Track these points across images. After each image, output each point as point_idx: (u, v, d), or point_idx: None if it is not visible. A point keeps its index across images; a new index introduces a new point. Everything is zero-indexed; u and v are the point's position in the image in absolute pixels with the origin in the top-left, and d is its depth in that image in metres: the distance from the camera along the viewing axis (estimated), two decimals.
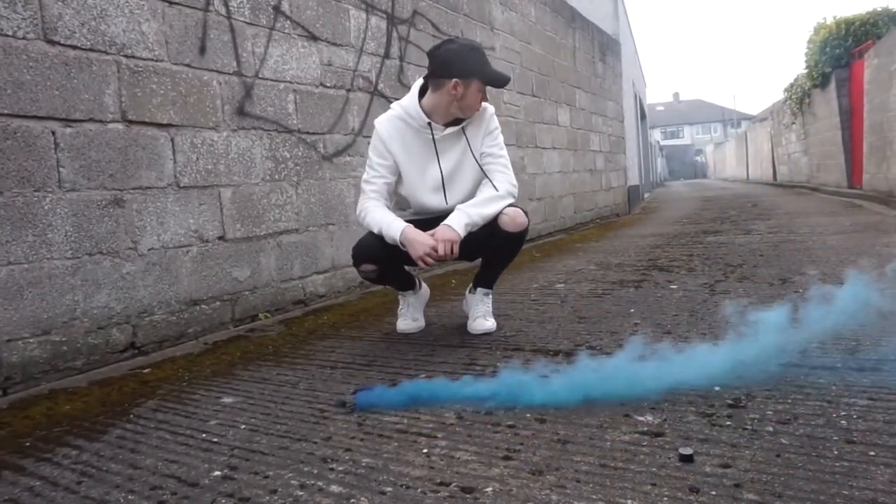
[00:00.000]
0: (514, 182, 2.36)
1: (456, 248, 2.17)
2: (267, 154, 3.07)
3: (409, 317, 2.56)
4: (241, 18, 2.92)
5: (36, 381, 2.11)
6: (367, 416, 1.59)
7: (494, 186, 2.31)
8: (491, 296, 2.51)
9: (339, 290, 3.57)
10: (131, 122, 2.43)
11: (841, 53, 9.90)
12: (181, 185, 2.64)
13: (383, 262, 2.33)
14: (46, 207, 2.16)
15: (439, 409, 1.61)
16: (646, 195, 14.95)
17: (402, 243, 2.19)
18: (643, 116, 17.35)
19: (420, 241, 2.16)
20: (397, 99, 4.12)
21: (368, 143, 3.81)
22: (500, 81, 2.29)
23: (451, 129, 2.32)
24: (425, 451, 1.36)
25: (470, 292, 2.53)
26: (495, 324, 2.45)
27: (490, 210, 2.26)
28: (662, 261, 4.09)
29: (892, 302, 1.88)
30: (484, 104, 2.36)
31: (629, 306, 2.73)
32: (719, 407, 1.49)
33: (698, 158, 50.77)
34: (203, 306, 2.74)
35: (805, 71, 11.45)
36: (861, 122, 9.29)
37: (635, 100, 13.09)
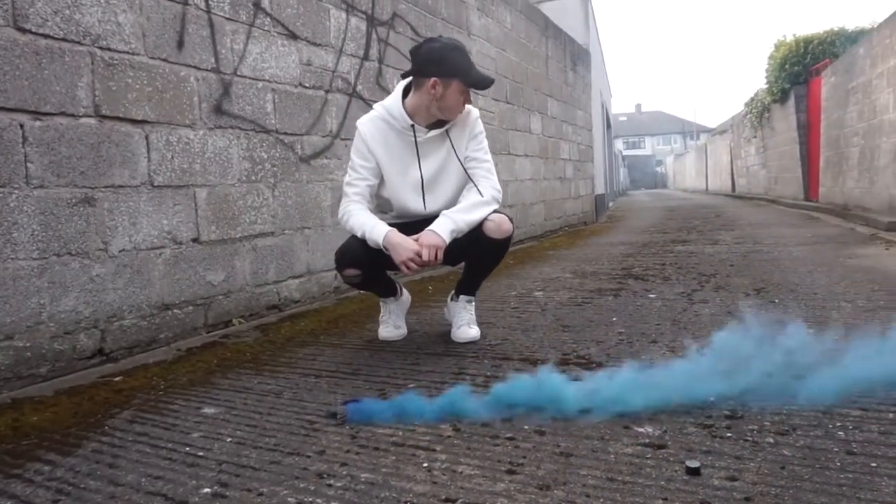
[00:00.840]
0: (499, 188, 2.33)
1: (440, 255, 2.13)
2: (244, 154, 2.98)
3: (391, 324, 2.51)
4: (221, 13, 2.83)
5: None
6: (359, 428, 1.54)
7: (479, 192, 2.27)
8: (474, 303, 2.48)
9: (314, 295, 3.49)
10: (104, 117, 2.32)
11: (800, 70, 10.26)
12: (155, 184, 2.54)
13: (367, 266, 2.27)
14: (12, 205, 2.04)
15: (434, 420, 1.56)
16: (610, 204, 15.18)
17: (385, 247, 2.14)
18: (608, 126, 17.63)
19: (404, 246, 2.11)
20: (375, 101, 4.11)
21: (346, 146, 3.78)
22: (482, 84, 2.24)
23: (434, 132, 2.28)
24: (425, 465, 1.32)
25: (452, 300, 2.49)
26: (479, 332, 2.42)
27: (475, 216, 2.23)
28: (636, 269, 4.14)
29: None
30: (468, 107, 2.33)
31: (611, 315, 2.73)
32: (717, 418, 1.49)
33: (659, 169, 51.91)
34: (175, 311, 2.64)
35: (765, 86, 11.82)
36: (818, 137, 9.62)
37: (602, 109, 13.28)
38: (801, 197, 10.69)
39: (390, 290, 2.50)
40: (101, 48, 2.30)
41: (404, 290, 2.60)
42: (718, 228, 7.18)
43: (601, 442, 1.39)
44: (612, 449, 1.35)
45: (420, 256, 2.09)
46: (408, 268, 2.11)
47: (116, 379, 2.09)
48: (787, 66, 10.46)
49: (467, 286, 2.43)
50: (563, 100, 8.26)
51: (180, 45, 2.63)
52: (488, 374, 1.94)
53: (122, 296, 2.40)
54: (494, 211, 2.27)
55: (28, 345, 2.08)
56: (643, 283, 3.53)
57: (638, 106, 66.29)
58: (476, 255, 2.35)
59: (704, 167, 25.84)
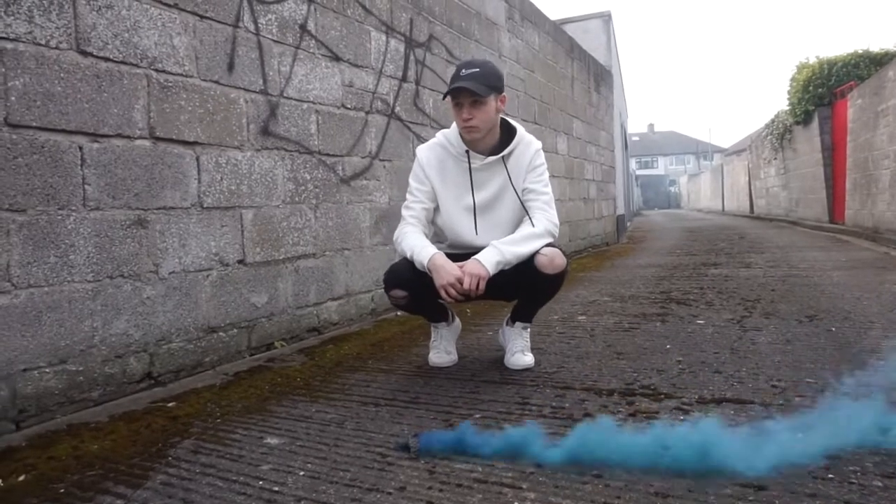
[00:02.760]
0: (556, 221, 2.26)
1: (482, 285, 2.04)
2: (288, 175, 2.97)
3: (443, 349, 2.45)
4: (269, 36, 2.83)
5: (51, 414, 1.95)
6: (434, 463, 1.48)
7: (532, 224, 2.21)
8: (529, 330, 2.42)
9: (353, 317, 3.45)
10: (158, 139, 2.32)
11: (823, 92, 10.20)
12: (204, 205, 2.52)
13: (414, 289, 2.22)
14: (70, 227, 2.02)
15: (500, 456, 1.50)
16: (628, 224, 15.10)
17: (429, 269, 2.09)
18: (626, 146, 17.61)
19: (447, 270, 2.04)
20: (413, 122, 4.12)
21: (384, 167, 3.77)
22: (450, 92, 2.13)
23: (490, 159, 2.24)
24: (515, 503, 1.26)
25: (507, 325, 2.44)
26: (533, 359, 2.37)
27: (526, 249, 2.15)
28: (675, 293, 4.06)
29: None
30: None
31: (663, 342, 2.67)
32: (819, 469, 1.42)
33: (672, 189, 51.73)
34: (220, 334, 2.60)
35: (787, 108, 11.76)
36: (843, 159, 9.53)
37: (621, 130, 13.27)
38: (825, 219, 10.56)
39: (441, 316, 2.45)
40: (156, 70, 2.30)
41: (456, 317, 2.55)
42: (747, 251, 7.08)
43: (696, 482, 1.33)
44: (710, 490, 1.29)
45: (461, 283, 2.02)
46: (447, 294, 2.04)
47: (170, 405, 2.05)
48: (810, 88, 10.41)
49: (523, 313, 2.38)
50: (587, 120, 8.24)
51: (230, 67, 2.63)
52: (553, 405, 1.88)
53: (170, 318, 2.37)
54: (549, 245, 2.20)
55: (80, 368, 2.05)
56: (687, 308, 3.46)
57: (651, 126, 66.34)
58: (527, 290, 2.29)
59: (720, 187, 25.71)
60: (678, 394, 1.92)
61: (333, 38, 3.27)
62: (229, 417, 1.90)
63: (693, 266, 5.75)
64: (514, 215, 2.28)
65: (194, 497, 1.36)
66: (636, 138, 61.91)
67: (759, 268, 5.33)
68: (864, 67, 9.54)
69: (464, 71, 2.13)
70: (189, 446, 1.66)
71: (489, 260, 2.07)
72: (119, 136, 2.17)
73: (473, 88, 2.08)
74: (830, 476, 1.32)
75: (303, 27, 3.05)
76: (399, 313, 3.74)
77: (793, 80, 11.20)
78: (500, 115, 2.25)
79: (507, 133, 2.30)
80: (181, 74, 2.40)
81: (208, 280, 2.54)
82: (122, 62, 2.18)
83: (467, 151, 2.24)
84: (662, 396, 1.91)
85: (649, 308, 3.54)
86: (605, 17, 9.92)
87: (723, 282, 4.54)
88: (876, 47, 10.05)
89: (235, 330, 2.68)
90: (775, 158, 14.01)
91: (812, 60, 10.59)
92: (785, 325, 2.87)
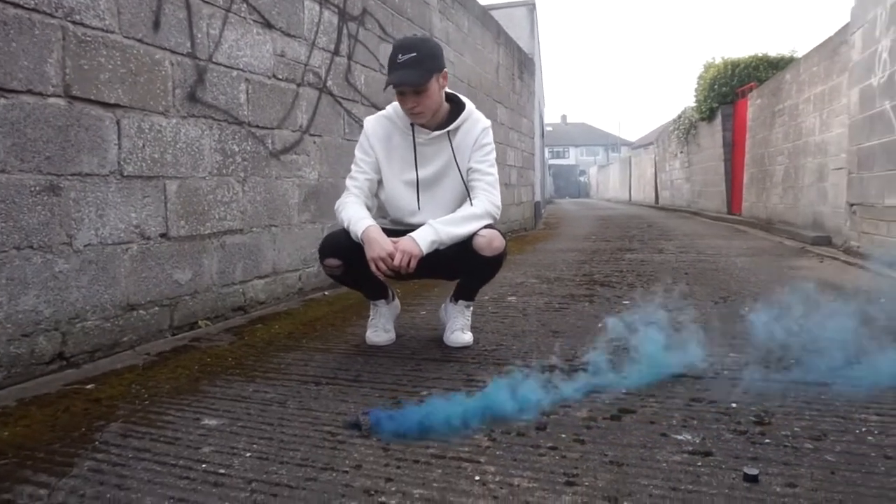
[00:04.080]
0: (498, 203, 2.22)
1: (413, 263, 1.99)
2: (216, 146, 2.80)
3: (381, 328, 2.41)
4: None
5: None
6: (387, 440, 1.45)
7: (474, 204, 2.17)
8: (471, 308, 2.42)
9: (279, 296, 3.33)
10: (74, 97, 2.11)
11: (727, 91, 10.85)
12: (125, 173, 2.33)
13: (349, 259, 2.15)
14: None
15: (462, 429, 1.50)
16: (542, 211, 15.51)
17: (362, 240, 2.03)
18: (542, 135, 18.03)
19: (379, 244, 1.98)
20: (345, 98, 4.00)
21: (315, 143, 3.64)
22: (388, 84, 2.06)
23: (435, 134, 2.20)
24: (477, 478, 1.25)
25: (451, 301, 2.42)
26: (472, 337, 2.37)
27: (463, 230, 2.10)
28: (598, 276, 4.21)
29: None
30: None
31: (595, 321, 2.75)
32: (747, 424, 1.51)
33: (582, 178, 53.66)
34: (141, 311, 2.43)
35: (693, 105, 12.43)
36: (742, 155, 10.21)
37: (539, 119, 13.57)
38: (724, 210, 11.30)
39: (381, 293, 2.40)
40: (73, 23, 2.09)
41: (396, 297, 2.51)
42: (657, 238, 7.46)
43: (646, 450, 1.37)
44: (660, 457, 1.34)
45: (391, 259, 1.97)
46: (377, 267, 1.99)
47: (88, 387, 1.89)
48: (715, 87, 11.06)
49: (466, 292, 2.37)
50: (510, 107, 8.35)
51: (156, 25, 2.43)
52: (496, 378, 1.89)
53: (85, 294, 2.19)
54: (488, 226, 2.17)
55: None
56: (612, 290, 3.59)
57: (564, 117, 68.28)
58: (466, 271, 2.28)
59: (628, 179, 26.93)
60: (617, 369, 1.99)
61: (266, 4, 3.10)
62: (158, 399, 1.78)
63: (610, 251, 5.99)
64: (458, 194, 2.25)
65: (130, 483, 1.26)
66: (550, 128, 63.50)
67: (671, 253, 5.63)
68: (763, 70, 10.23)
69: (401, 56, 2.03)
70: (117, 430, 1.54)
71: (424, 239, 2.02)
72: (30, 92, 1.96)
73: (413, 80, 2.02)
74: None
75: None
76: (327, 293, 3.65)
77: (700, 78, 11.85)
78: (444, 91, 2.22)
79: (456, 107, 2.26)
80: (101, 29, 2.20)
81: (128, 254, 2.36)
82: (34, 10, 1.96)
83: (412, 125, 2.19)
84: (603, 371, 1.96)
85: (576, 290, 3.64)
86: (530, 6, 10.06)
87: (639, 266, 4.75)
88: (774, 52, 10.80)
89: (157, 308, 2.51)
90: (681, 152, 14.82)
91: (718, 61, 11.24)
92: (703, 307, 3.04)
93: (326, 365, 2.11)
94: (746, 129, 9.87)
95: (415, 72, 2.02)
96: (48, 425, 1.58)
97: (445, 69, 2.17)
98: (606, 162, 48.02)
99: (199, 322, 2.74)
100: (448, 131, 2.20)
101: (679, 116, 14.14)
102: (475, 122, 2.24)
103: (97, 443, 1.46)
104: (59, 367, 2.09)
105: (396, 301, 2.52)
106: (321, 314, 3.02)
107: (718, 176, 11.64)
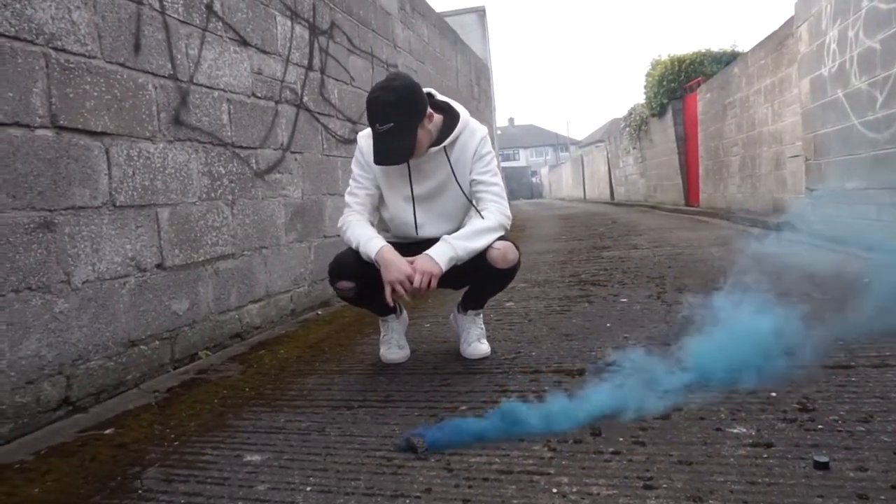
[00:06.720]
0: (508, 213, 2.19)
1: (434, 283, 1.95)
2: (203, 169, 2.71)
3: (395, 344, 2.36)
4: (175, 15, 2.55)
5: None
6: (447, 460, 1.41)
7: (482, 217, 2.12)
8: (482, 316, 2.41)
9: (273, 319, 3.24)
10: (62, 128, 2.00)
11: (676, 87, 11.19)
12: (117, 203, 2.22)
13: (362, 280, 2.10)
14: None
15: (518, 442, 1.48)
16: None
17: (377, 262, 1.99)
18: (494, 138, 18.22)
19: (396, 265, 1.94)
20: (321, 113, 3.93)
21: (296, 160, 3.57)
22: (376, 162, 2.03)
23: (430, 151, 2.12)
24: (555, 490, 1.23)
25: (459, 312, 2.39)
26: (489, 347, 2.35)
27: (478, 244, 2.06)
28: (584, 276, 4.25)
29: None
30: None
31: (601, 321, 2.77)
32: (793, 412, 1.53)
33: (534, 179, 54.38)
34: (142, 347, 2.32)
35: (644, 101, 12.76)
36: (695, 148, 10.53)
37: (493, 123, 13.69)
38: (682, 203, 11.62)
39: (390, 308, 2.35)
40: (55, 49, 1.99)
41: (404, 309, 2.47)
42: (626, 234, 7.59)
43: (708, 446, 1.38)
44: (725, 452, 1.35)
45: (411, 282, 1.92)
46: (395, 291, 1.94)
47: (107, 432, 1.78)
48: (664, 83, 11.38)
49: (474, 301, 2.35)
50: (471, 113, 8.39)
51: (137, 48, 2.34)
52: (533, 389, 1.88)
53: (87, 334, 2.07)
54: (501, 238, 2.13)
55: None
56: (605, 289, 3.63)
57: (511, 119, 69.14)
58: (479, 283, 2.26)
59: (581, 177, 27.42)
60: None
61: (240, 21, 3.02)
62: (187, 438, 1.69)
63: (586, 250, 6.06)
64: (459, 207, 2.21)
65: None
66: (499, 132, 64.30)
67: (646, 248, 5.73)
68: (707, 65, 10.58)
69: (378, 126, 1.93)
70: (157, 475, 1.46)
71: (442, 256, 1.97)
72: (17, 124, 1.85)
73: (401, 157, 1.99)
74: None
75: (209, 7, 2.78)
76: (320, 312, 3.57)
77: (648, 75, 12.18)
78: (435, 101, 2.18)
79: (450, 119, 2.21)
80: (84, 55, 2.09)
81: (125, 288, 2.25)
82: (15, 38, 1.85)
83: None
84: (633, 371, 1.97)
85: (568, 291, 3.67)
86: (480, 13, 10.16)
87: (620, 262, 4.82)
88: (716, 47, 11.19)
89: (157, 342, 2.40)
90: (634, 148, 15.18)
91: (664, 57, 11.57)
92: (702, 298, 3.09)
93: (351, 387, 2.06)
94: (698, 122, 10.18)
95: (398, 144, 1.95)
96: (79, 477, 1.48)
97: (428, 110, 2.02)
98: (556, 162, 48.84)
99: (200, 353, 2.64)
100: (444, 146, 2.15)
101: (629, 113, 14.49)
102: (472, 132, 2.18)
103: (140, 491, 1.38)
104: (66, 413, 1.97)
105: (405, 314, 2.48)
106: (323, 335, 2.94)
107: (673, 169, 11.96)
